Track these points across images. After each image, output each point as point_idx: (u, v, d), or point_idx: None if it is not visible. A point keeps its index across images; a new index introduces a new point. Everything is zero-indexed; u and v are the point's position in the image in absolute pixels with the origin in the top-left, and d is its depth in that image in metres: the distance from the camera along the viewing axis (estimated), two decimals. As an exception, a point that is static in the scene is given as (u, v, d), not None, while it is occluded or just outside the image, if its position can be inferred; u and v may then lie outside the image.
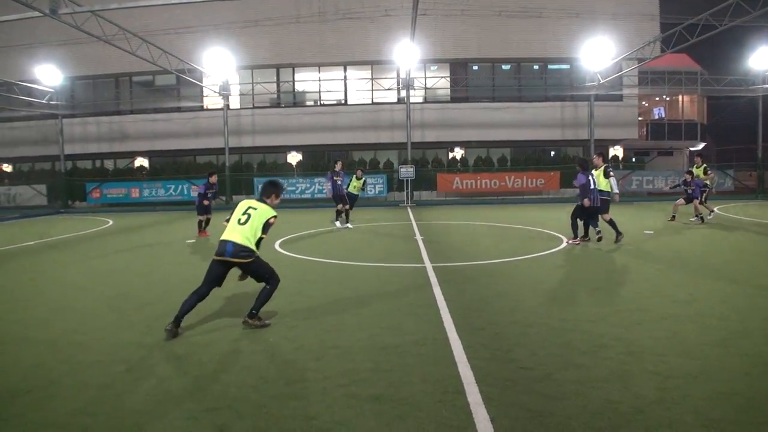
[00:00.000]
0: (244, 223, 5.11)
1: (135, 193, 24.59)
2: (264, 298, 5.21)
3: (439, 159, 26.03)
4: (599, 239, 10.16)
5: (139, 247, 11.35)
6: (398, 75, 25.04)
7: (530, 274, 7.48)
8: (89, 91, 27.42)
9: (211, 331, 5.08)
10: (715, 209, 14.82)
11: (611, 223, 10.25)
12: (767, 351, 4.28)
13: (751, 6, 14.43)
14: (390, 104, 25.69)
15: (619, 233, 10.17)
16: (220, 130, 24.36)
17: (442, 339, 4.67)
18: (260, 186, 5.87)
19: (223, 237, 5.11)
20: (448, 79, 26.18)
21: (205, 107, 26.41)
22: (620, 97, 25.94)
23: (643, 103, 33.10)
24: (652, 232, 12.16)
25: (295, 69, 26.15)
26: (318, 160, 26.10)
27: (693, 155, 33.03)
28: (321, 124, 25.59)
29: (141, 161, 26.49)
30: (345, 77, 26.20)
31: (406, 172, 22.24)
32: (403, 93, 24.28)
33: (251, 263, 5.13)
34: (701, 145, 32.47)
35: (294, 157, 25.94)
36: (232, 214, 5.27)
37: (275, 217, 5.21)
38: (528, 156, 26.36)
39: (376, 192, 23.36)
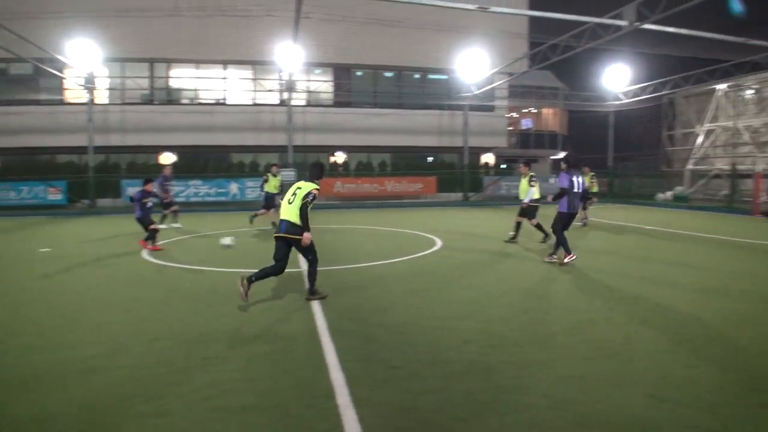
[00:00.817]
0: (292, 202, 5.96)
1: (-24, 196, 21.71)
2: (312, 277, 6.16)
3: (321, 163, 26.01)
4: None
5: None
6: (281, 77, 24.67)
7: (405, 275, 7.71)
8: None
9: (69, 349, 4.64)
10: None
11: (538, 226, 11.05)
12: (608, 337, 4.80)
13: (603, 31, 16.10)
14: (271, 106, 25.23)
15: (546, 235, 10.89)
16: (84, 126, 22.33)
17: (314, 344, 4.67)
18: (309, 168, 6.49)
19: (281, 216, 6.06)
20: (332, 83, 26.35)
21: (66, 101, 24.09)
22: (492, 108, 27.74)
23: (513, 114, 35.69)
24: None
25: (171, 64, 24.79)
26: (194, 161, 24.87)
27: (555, 162, 36.13)
28: (198, 123, 24.44)
29: (-13, 159, 23.56)
30: (225, 77, 25.33)
31: (288, 175, 21.97)
32: (286, 95, 23.99)
33: (299, 240, 5.93)
34: (562, 154, 35.57)
35: (167, 158, 24.54)
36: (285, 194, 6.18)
37: (318, 189, 6.07)
38: (407, 161, 27.31)
39: (257, 195, 22.79)
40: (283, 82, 24.06)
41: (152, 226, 10.36)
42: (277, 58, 21.63)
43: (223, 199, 22.23)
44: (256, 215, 14.09)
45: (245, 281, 5.80)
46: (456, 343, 4.65)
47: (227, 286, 6.85)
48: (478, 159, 29.18)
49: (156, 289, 6.97)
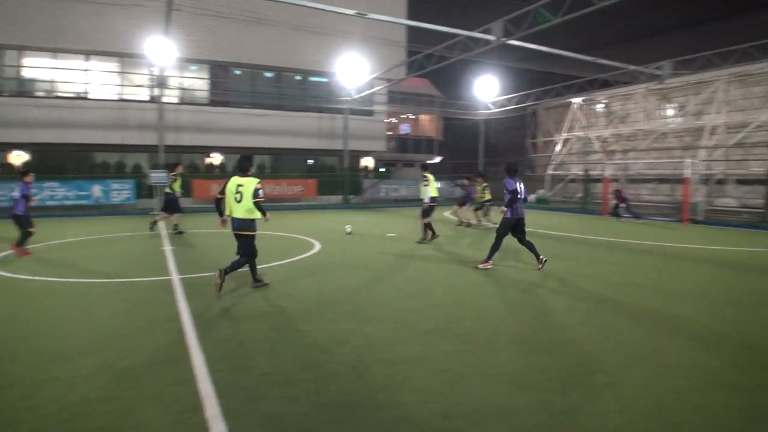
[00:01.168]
0: (240, 201, 6.56)
1: None
2: (235, 265, 6.61)
3: (195, 164, 24.79)
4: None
5: None
6: (151, 72, 23.08)
7: (282, 279, 7.56)
8: None
9: None
10: (482, 221, 15.78)
11: (428, 225, 11.49)
12: (476, 330, 5.06)
13: (474, 44, 17.05)
14: (140, 102, 23.48)
15: (429, 236, 11.57)
16: None
17: (182, 355, 4.40)
18: (239, 162, 6.88)
19: (233, 215, 6.65)
20: (208, 81, 25.19)
21: None
22: (371, 113, 28.24)
23: (392, 119, 36.66)
24: (394, 234, 13.45)
25: (24, 52, 22.19)
26: (50, 161, 22.45)
27: (424, 167, 37.64)
28: (55, 119, 22.06)
29: None
30: (87, 68, 23.18)
31: (158, 177, 20.46)
32: (157, 91, 22.50)
33: (247, 237, 6.69)
34: (438, 159, 37.22)
35: (18, 157, 21.97)
36: (224, 188, 6.70)
37: (259, 182, 6.67)
38: (287, 163, 26.91)
39: (123, 199, 21.12)
40: (154, 77, 22.58)
41: (32, 228, 9.55)
42: (147, 52, 20.21)
43: (84, 202, 20.27)
44: (156, 221, 13.14)
45: (221, 273, 6.35)
46: (330, 345, 4.64)
47: (84, 296, 6.27)
48: (358, 162, 29.56)
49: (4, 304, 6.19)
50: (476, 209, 16.01)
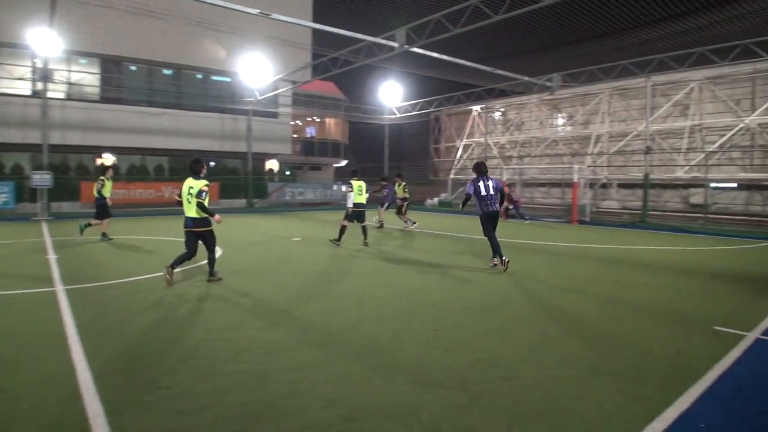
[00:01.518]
0: (191, 201, 7.17)
1: None
2: (212, 263, 7.59)
3: (84, 165, 23.06)
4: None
5: None
6: (34, 63, 21.13)
7: (180, 287, 7.21)
8: None
9: None
10: (415, 223, 16.11)
11: (342, 229, 11.77)
12: (379, 332, 5.12)
13: (379, 50, 17.30)
14: (22, 97, 21.41)
15: (338, 240, 11.79)
16: None
17: (66, 373, 4.05)
18: (190, 165, 7.53)
19: (185, 214, 7.27)
20: (99, 76, 23.47)
21: None
22: (276, 115, 27.76)
23: (297, 122, 36.27)
24: (299, 238, 13.31)
25: None
26: None
27: (339, 170, 37.66)
28: None
29: None
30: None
31: (41, 179, 18.82)
32: (40, 85, 20.62)
33: (206, 232, 7.37)
34: (344, 162, 37.32)
35: None
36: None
37: (207, 184, 7.18)
38: (187, 166, 25.71)
39: (0, 203, 19.19)
40: (37, 69, 20.70)
41: None
42: (30, 42, 18.48)
43: (-52, 206, 18.22)
44: (89, 225, 12.24)
45: (169, 269, 7.07)
46: (231, 354, 4.49)
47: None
48: (263, 165, 28.94)
49: None
50: (398, 212, 16.42)
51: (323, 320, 5.62)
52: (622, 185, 25.03)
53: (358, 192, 11.83)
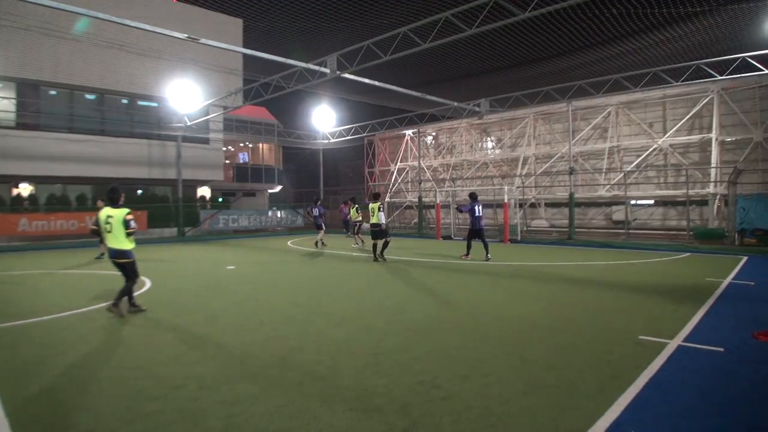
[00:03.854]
0: (111, 231, 6.94)
1: None
2: (122, 294, 7.11)
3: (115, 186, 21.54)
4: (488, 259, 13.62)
5: None
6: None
7: (104, 324, 6.81)
8: None
9: None
10: (358, 242, 18.62)
11: (375, 247, 13.86)
12: (318, 360, 5.01)
13: (311, 75, 17.33)
14: (-77, 124, 19.86)
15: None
16: None
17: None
18: (108, 194, 7.25)
19: (108, 244, 7.08)
20: (14, 101, 22.07)
21: None
22: (207, 140, 27.10)
23: (230, 147, 35.58)
24: (233, 266, 12.95)
25: None
26: None
27: (272, 196, 37.15)
28: None
29: None
30: None
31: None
32: (-56, 112, 19.19)
33: (126, 264, 7.09)
34: (279, 188, 36.87)
35: None
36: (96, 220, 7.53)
37: (129, 212, 7.01)
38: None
39: None
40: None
41: None
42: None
43: None
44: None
45: (112, 307, 7.03)
46: (162, 392, 4.26)
47: None
48: (195, 192, 28.08)
49: None
50: (355, 232, 19.21)
51: (260, 350, 5.46)
52: (550, 204, 26.15)
53: (372, 213, 13.96)
